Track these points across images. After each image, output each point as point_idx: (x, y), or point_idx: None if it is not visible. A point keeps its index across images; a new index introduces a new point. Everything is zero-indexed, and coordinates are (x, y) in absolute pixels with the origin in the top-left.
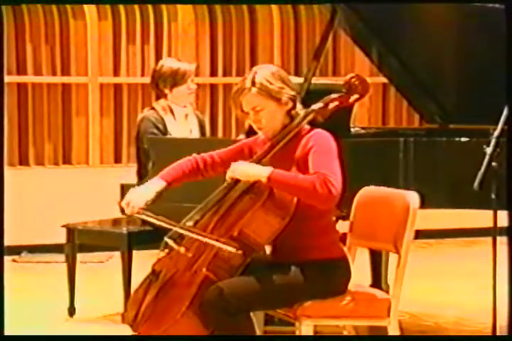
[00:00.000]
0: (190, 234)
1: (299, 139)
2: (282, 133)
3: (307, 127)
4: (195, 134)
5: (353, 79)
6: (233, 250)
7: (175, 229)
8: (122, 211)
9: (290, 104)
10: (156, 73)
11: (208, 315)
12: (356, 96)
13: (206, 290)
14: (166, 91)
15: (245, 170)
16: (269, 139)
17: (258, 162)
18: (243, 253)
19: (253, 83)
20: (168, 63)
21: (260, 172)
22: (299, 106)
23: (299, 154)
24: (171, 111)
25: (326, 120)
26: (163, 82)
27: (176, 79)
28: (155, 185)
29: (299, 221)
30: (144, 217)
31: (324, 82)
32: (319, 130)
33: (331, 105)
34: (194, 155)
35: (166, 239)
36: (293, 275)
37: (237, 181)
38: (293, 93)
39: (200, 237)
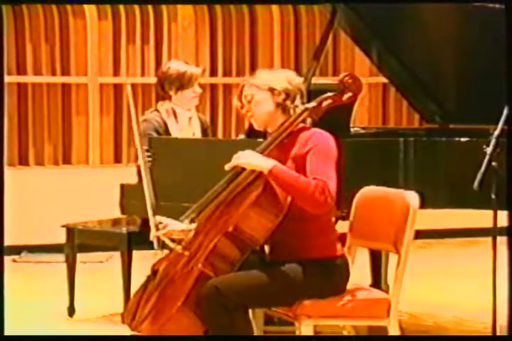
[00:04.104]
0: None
1: (295, 137)
2: (278, 131)
3: (302, 125)
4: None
5: (346, 78)
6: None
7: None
8: (122, 211)
9: (283, 95)
10: (162, 74)
11: (204, 309)
12: (349, 94)
13: (202, 285)
14: (171, 93)
15: (250, 158)
16: (269, 133)
17: None
18: (239, 249)
19: (252, 74)
20: (175, 65)
21: (263, 164)
22: (298, 103)
23: (297, 152)
24: (174, 114)
25: (321, 118)
26: (169, 84)
27: (183, 82)
28: None
29: (298, 221)
30: (167, 241)
31: (324, 82)
32: (318, 130)
33: (325, 103)
34: None
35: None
36: (291, 272)
37: (233, 178)
38: (287, 86)
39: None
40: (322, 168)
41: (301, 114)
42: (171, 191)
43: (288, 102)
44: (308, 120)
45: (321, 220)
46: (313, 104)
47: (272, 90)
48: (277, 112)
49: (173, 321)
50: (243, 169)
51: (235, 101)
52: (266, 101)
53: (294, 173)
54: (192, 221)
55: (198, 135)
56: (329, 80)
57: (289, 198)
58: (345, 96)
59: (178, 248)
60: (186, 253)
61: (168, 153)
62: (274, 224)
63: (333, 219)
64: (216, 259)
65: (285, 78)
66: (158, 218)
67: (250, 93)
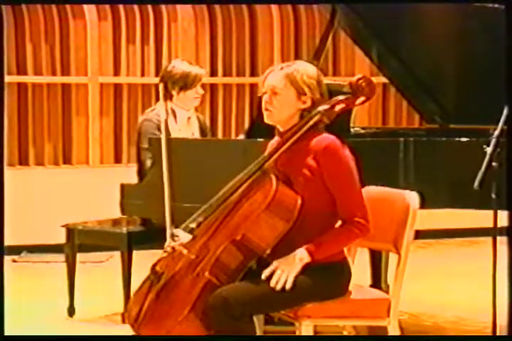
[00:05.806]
0: None
1: (307, 141)
2: (287, 136)
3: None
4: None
5: (360, 81)
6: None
7: None
8: (122, 211)
9: (308, 103)
10: (166, 74)
11: (211, 319)
12: (363, 98)
13: (208, 293)
14: (174, 92)
15: (289, 266)
16: (280, 134)
17: (267, 160)
18: (245, 257)
19: (288, 66)
20: (180, 65)
21: (302, 256)
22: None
23: (311, 162)
24: (174, 114)
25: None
26: (172, 84)
27: (187, 82)
28: None
29: (302, 226)
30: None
31: (333, 83)
32: (330, 137)
33: (338, 107)
34: None
35: (168, 239)
36: (297, 280)
37: (242, 182)
38: (318, 97)
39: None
40: (352, 195)
41: (312, 118)
42: (172, 191)
43: (310, 110)
44: None
45: (325, 226)
46: (325, 106)
47: (300, 94)
48: (295, 115)
49: (178, 328)
50: (253, 172)
51: (260, 90)
52: (289, 102)
53: (327, 238)
54: (199, 225)
55: (197, 135)
56: (331, 80)
57: (299, 202)
58: (359, 101)
59: (185, 252)
60: (192, 256)
61: (169, 153)
62: (285, 230)
63: None
64: (222, 267)
65: (320, 84)
66: (176, 231)
67: (277, 86)
